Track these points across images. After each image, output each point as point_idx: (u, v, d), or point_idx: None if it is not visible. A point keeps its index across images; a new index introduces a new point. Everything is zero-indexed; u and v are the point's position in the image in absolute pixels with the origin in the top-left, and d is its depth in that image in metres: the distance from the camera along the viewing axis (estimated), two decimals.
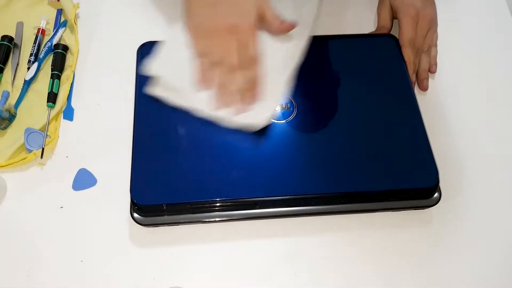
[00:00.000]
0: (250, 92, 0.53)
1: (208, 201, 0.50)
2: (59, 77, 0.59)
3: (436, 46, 0.64)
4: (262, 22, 0.54)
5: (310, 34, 0.57)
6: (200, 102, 0.53)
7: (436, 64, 0.63)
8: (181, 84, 0.54)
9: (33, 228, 0.52)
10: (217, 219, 0.51)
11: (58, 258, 0.51)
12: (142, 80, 0.56)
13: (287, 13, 0.55)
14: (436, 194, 0.53)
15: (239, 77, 0.53)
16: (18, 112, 0.58)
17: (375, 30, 0.64)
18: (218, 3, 0.52)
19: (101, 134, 0.57)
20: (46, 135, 0.55)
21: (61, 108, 0.58)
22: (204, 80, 0.53)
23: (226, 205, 0.50)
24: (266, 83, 0.54)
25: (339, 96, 0.57)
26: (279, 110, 0.55)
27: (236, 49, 0.52)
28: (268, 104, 0.54)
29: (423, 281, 0.51)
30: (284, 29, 0.55)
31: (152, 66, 0.54)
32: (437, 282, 0.51)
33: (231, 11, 0.52)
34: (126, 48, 0.60)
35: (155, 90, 0.54)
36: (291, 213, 0.51)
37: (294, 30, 0.55)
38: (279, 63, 0.55)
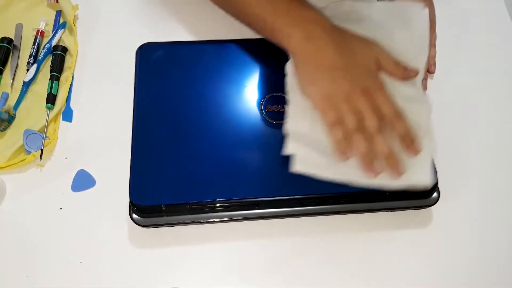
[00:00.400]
0: (401, 151, 0.48)
1: (208, 201, 0.50)
2: (58, 79, 0.59)
3: (435, 46, 0.64)
4: (380, 70, 0.50)
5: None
6: (349, 173, 0.48)
7: (435, 64, 0.63)
8: (320, 159, 0.49)
9: (32, 229, 0.52)
10: (216, 219, 0.51)
11: (57, 259, 0.51)
12: (141, 81, 0.56)
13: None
14: (434, 194, 0.53)
15: (382, 139, 0.47)
16: (17, 113, 0.58)
17: None
18: (337, 67, 0.48)
19: (100, 135, 0.57)
20: (45, 136, 0.55)
21: (60, 109, 0.58)
22: (343, 152, 0.47)
23: (226, 206, 0.50)
24: (414, 135, 0.48)
25: None
26: (432, 160, 0.49)
27: (372, 111, 0.47)
28: (424, 156, 0.48)
29: (423, 281, 0.51)
30: (409, 76, 0.51)
31: (289, 146, 0.49)
32: (437, 282, 0.51)
33: (355, 73, 0.48)
34: (125, 50, 0.60)
35: (298, 168, 0.48)
36: (290, 214, 0.51)
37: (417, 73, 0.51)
38: (412, 108, 0.50)
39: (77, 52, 0.62)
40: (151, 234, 0.52)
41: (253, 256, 0.52)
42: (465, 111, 0.61)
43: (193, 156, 0.52)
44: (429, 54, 0.56)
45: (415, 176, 0.48)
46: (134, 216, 0.50)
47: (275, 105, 0.55)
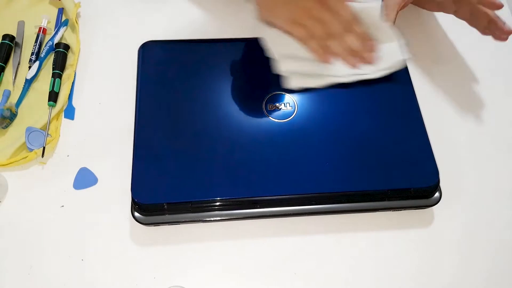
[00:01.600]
0: (368, 44, 0.56)
1: (209, 200, 0.50)
2: (60, 76, 0.59)
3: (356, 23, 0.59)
4: None
5: None
6: (335, 72, 0.56)
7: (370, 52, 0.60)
8: (308, 69, 0.56)
9: (34, 227, 0.52)
10: (217, 218, 0.51)
11: (59, 257, 0.51)
12: (143, 79, 0.56)
13: None
14: (436, 194, 0.53)
15: (351, 36, 0.55)
16: (19, 111, 0.58)
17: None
18: None
19: (102, 133, 0.57)
20: (47, 134, 0.55)
21: (62, 107, 0.58)
22: (323, 57, 0.56)
23: (227, 204, 0.50)
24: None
25: (340, 96, 0.57)
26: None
27: (332, 17, 0.54)
28: (389, 45, 0.57)
29: (424, 281, 0.51)
30: None
31: (281, 66, 0.55)
32: (437, 282, 0.51)
33: None
34: (128, 47, 0.60)
35: (293, 84, 0.56)
36: (291, 213, 0.51)
37: None
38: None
39: (79, 50, 0.62)
40: (152, 232, 0.52)
41: (254, 255, 0.52)
42: (467, 111, 0.61)
43: (195, 155, 0.52)
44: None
45: (388, 58, 0.56)
46: (136, 214, 0.51)
47: (278, 104, 0.55)
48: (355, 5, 0.56)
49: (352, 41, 0.56)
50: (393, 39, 0.57)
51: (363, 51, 0.56)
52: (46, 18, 0.63)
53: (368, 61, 0.56)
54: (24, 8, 0.65)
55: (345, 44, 0.55)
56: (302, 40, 0.56)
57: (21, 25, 0.63)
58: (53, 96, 0.58)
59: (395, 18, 0.62)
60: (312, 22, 0.54)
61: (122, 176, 0.53)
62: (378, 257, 0.52)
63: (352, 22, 0.55)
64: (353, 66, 0.56)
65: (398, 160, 0.53)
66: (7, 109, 0.56)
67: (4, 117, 0.56)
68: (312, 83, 0.56)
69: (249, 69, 0.58)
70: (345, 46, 0.56)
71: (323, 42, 0.55)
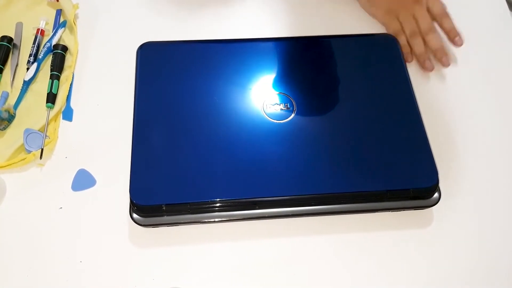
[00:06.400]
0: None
1: (208, 201, 0.50)
2: (58, 78, 0.59)
3: (446, 16, 0.63)
4: None
5: None
6: None
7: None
8: None
9: (33, 229, 0.52)
10: (216, 219, 0.51)
11: (57, 259, 0.51)
12: (141, 81, 0.56)
13: None
14: (435, 194, 0.53)
15: (434, 36, 0.62)
16: (17, 112, 0.58)
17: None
18: None
19: (101, 134, 0.57)
20: (45, 135, 0.55)
21: (60, 108, 0.58)
22: (408, 54, 0.63)
23: (226, 206, 0.50)
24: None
25: (339, 96, 0.57)
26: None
27: (424, 13, 0.62)
28: None
29: (423, 281, 0.51)
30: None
31: None
32: (437, 283, 0.51)
33: None
34: (126, 49, 0.60)
35: None
36: (290, 214, 0.51)
37: None
38: None
39: (77, 51, 0.62)
40: (151, 234, 0.52)
41: (252, 256, 0.51)
42: (467, 111, 0.61)
43: (194, 156, 0.52)
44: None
45: None
46: (134, 215, 0.50)
47: (276, 105, 0.55)
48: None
49: (434, 39, 0.62)
50: None
51: (441, 54, 0.61)
52: (44, 19, 0.63)
53: (443, 64, 0.62)
54: (22, 9, 0.65)
55: (427, 44, 0.62)
56: (395, 33, 0.63)
57: (19, 26, 0.63)
58: (51, 98, 0.57)
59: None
60: (405, 14, 0.62)
61: (120, 178, 0.53)
62: (377, 258, 0.52)
63: (442, 16, 0.62)
64: (428, 70, 0.62)
65: (397, 160, 0.53)
66: (5, 110, 0.56)
67: (2, 119, 0.56)
68: None
69: (247, 69, 0.58)
70: (428, 46, 0.62)
71: (411, 39, 0.62)
